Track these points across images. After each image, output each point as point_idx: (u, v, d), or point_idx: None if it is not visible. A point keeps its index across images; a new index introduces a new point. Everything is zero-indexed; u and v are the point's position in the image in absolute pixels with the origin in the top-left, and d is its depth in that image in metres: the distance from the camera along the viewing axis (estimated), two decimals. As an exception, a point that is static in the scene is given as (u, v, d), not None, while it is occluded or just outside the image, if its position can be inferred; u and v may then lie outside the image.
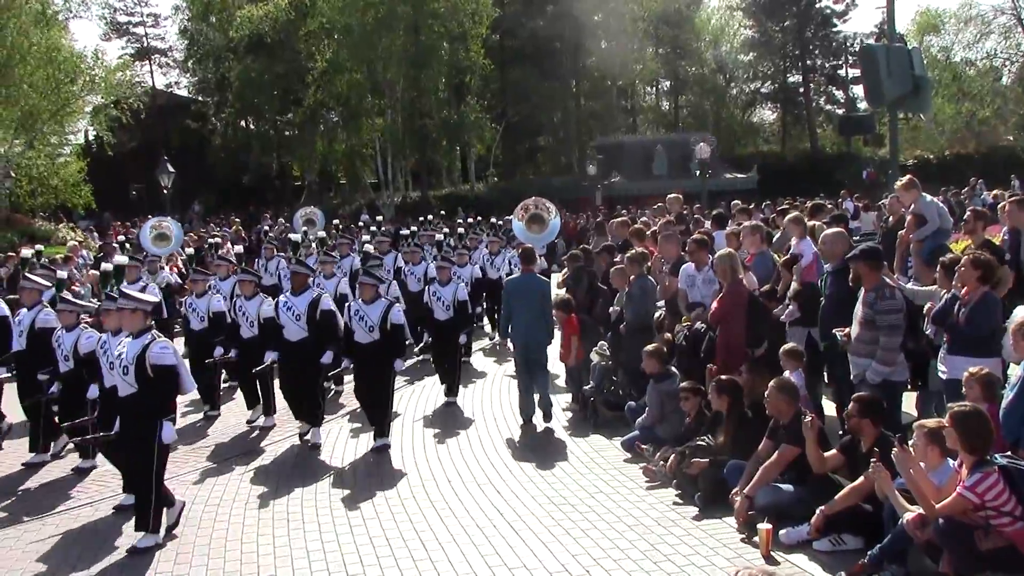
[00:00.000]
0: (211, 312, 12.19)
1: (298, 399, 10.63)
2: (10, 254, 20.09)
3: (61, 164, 30.83)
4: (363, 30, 37.52)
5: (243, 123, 47.17)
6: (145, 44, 52.84)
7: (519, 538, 7.24)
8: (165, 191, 28.22)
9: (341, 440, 10.70)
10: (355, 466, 9.62)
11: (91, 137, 33.85)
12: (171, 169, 27.83)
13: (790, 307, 9.08)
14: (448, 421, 11.36)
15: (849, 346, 7.66)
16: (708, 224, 14.31)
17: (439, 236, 17.16)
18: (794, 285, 9.11)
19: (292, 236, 19.91)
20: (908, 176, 10.89)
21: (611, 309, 11.25)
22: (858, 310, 7.54)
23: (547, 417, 10.79)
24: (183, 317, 13.49)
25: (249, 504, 8.52)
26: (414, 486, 8.78)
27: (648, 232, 12.74)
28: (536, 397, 10.82)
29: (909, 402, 8.52)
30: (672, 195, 15.19)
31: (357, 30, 37.57)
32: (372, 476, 9.21)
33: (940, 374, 7.35)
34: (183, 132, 45.80)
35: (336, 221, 25.84)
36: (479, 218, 28.32)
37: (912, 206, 10.25)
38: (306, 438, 10.51)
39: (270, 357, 10.69)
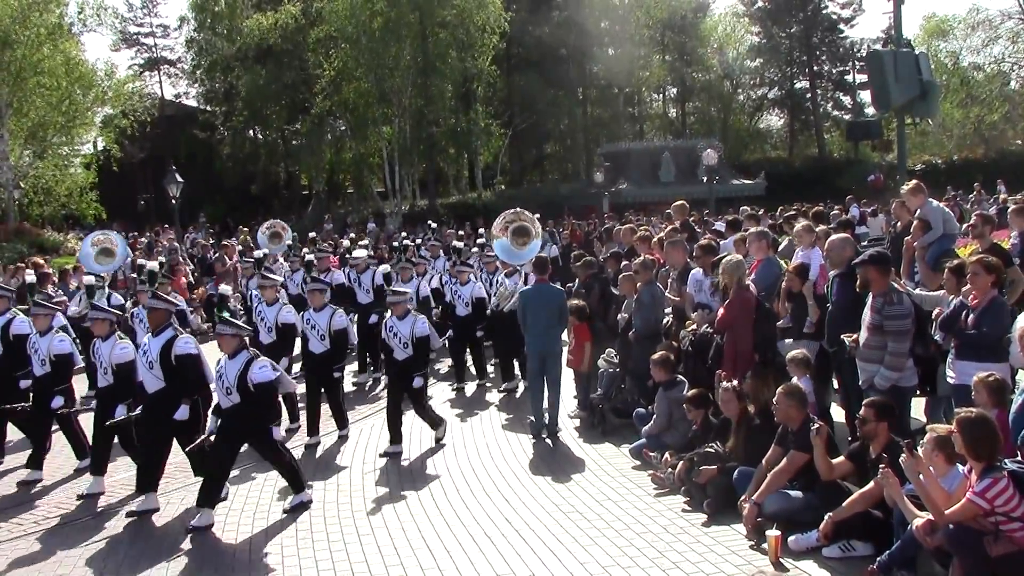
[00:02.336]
0: (52, 354, 10.15)
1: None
2: (19, 264, 20.17)
3: (69, 174, 30.94)
4: (371, 38, 37.61)
5: (251, 132, 47.31)
6: (154, 55, 53.10)
7: (527, 546, 7.23)
8: (173, 201, 28.32)
9: (348, 448, 10.70)
10: (364, 475, 9.61)
11: (100, 148, 33.98)
12: (179, 179, 27.90)
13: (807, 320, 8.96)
14: (456, 430, 11.34)
15: (857, 352, 7.63)
16: (722, 227, 14.29)
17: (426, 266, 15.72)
18: (812, 309, 8.93)
19: (143, 262, 17.12)
20: (915, 181, 10.87)
21: (619, 316, 11.24)
22: (866, 315, 7.51)
23: (553, 435, 10.61)
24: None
25: (258, 513, 8.54)
26: (422, 495, 8.78)
27: (655, 239, 12.71)
28: (546, 411, 10.74)
29: (918, 408, 8.49)
30: (677, 203, 15.12)
31: (364, 39, 37.65)
32: (380, 485, 9.21)
33: (948, 379, 7.32)
34: (191, 142, 45.94)
35: (312, 234, 23.99)
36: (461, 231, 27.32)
37: (918, 211, 10.24)
38: (131, 509, 8.74)
39: (122, 411, 9.04)
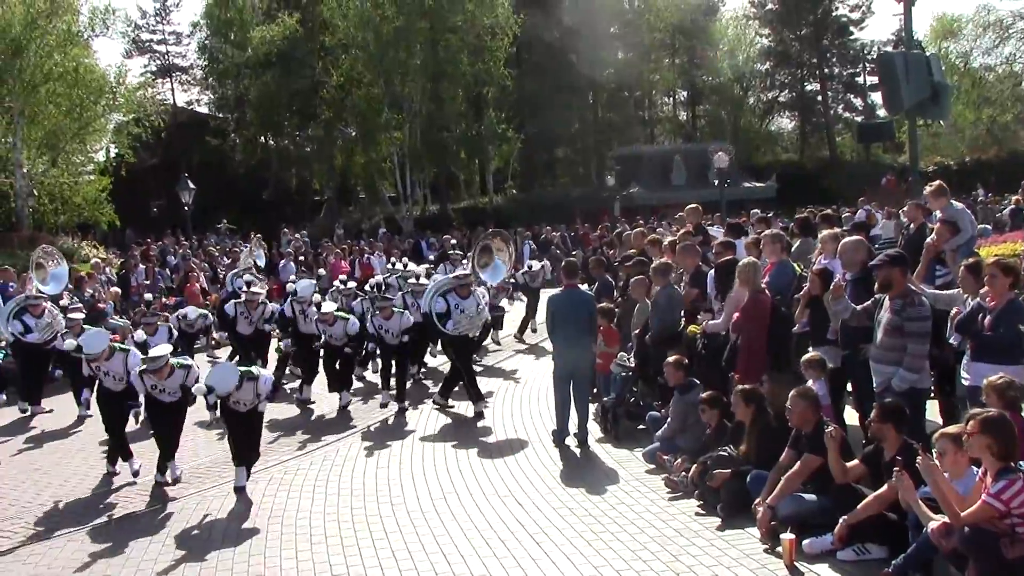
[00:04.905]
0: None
1: None
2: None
3: (84, 183, 31.01)
4: (380, 44, 37.66)
5: (262, 139, 47.44)
6: (167, 62, 53.35)
7: (541, 550, 7.23)
8: (186, 207, 28.43)
9: (361, 455, 10.73)
10: (377, 480, 9.63)
11: (112, 155, 34.11)
12: (191, 185, 28.02)
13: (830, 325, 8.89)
14: (469, 434, 11.37)
15: (872, 354, 7.60)
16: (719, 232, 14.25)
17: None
18: (834, 317, 8.85)
19: None
20: (938, 182, 10.78)
21: (633, 321, 11.24)
22: (883, 317, 7.47)
23: (583, 445, 10.27)
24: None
25: (272, 518, 8.56)
26: (436, 499, 8.79)
27: (666, 242, 12.69)
28: (573, 422, 10.41)
29: (932, 410, 8.46)
30: (691, 206, 15.10)
31: (373, 44, 37.72)
32: (394, 490, 9.22)
33: (963, 381, 7.30)
34: (203, 149, 46.06)
35: (247, 271, 20.31)
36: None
37: (940, 213, 10.19)
38: None
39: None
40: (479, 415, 12.20)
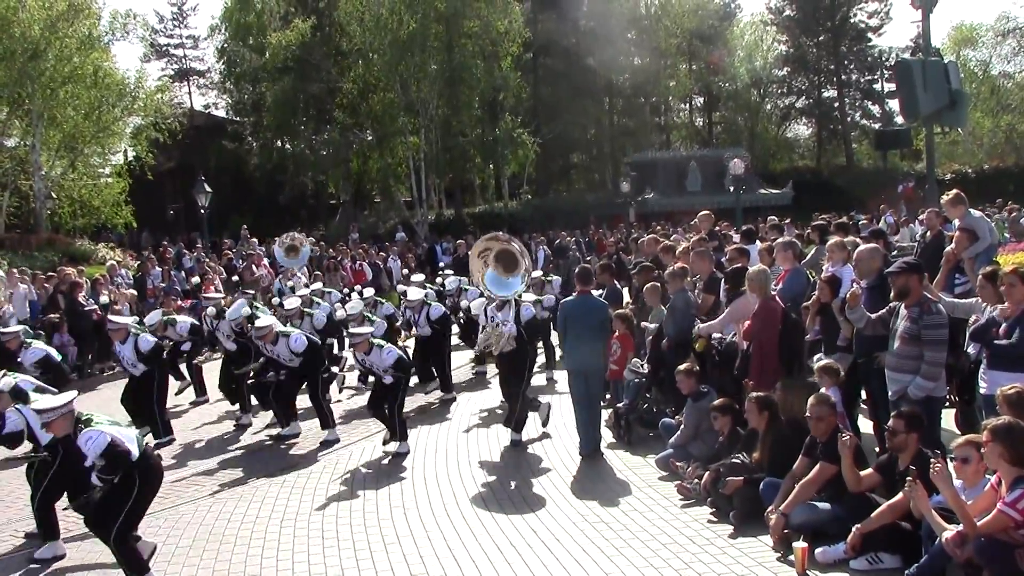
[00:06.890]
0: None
1: None
2: (50, 274, 20.38)
3: (103, 185, 31.17)
4: (395, 49, 37.78)
5: (278, 143, 47.64)
6: (184, 66, 53.68)
7: (553, 556, 7.22)
8: (203, 211, 28.57)
9: (374, 460, 10.75)
10: (389, 485, 9.64)
11: (130, 157, 34.30)
12: (208, 189, 28.15)
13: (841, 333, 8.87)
14: (482, 440, 11.37)
15: (888, 362, 7.56)
16: (736, 239, 14.24)
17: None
18: (844, 325, 8.81)
19: None
20: (955, 191, 10.74)
21: (648, 326, 11.22)
22: (900, 325, 7.44)
23: (595, 452, 10.19)
24: None
25: (284, 522, 8.59)
26: (448, 504, 8.79)
27: (680, 249, 12.67)
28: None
29: (946, 419, 8.40)
30: (703, 212, 15.09)
31: (388, 49, 37.84)
32: (406, 495, 9.22)
33: (980, 389, 7.25)
34: (220, 152, 46.27)
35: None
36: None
37: (958, 221, 10.15)
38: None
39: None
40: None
